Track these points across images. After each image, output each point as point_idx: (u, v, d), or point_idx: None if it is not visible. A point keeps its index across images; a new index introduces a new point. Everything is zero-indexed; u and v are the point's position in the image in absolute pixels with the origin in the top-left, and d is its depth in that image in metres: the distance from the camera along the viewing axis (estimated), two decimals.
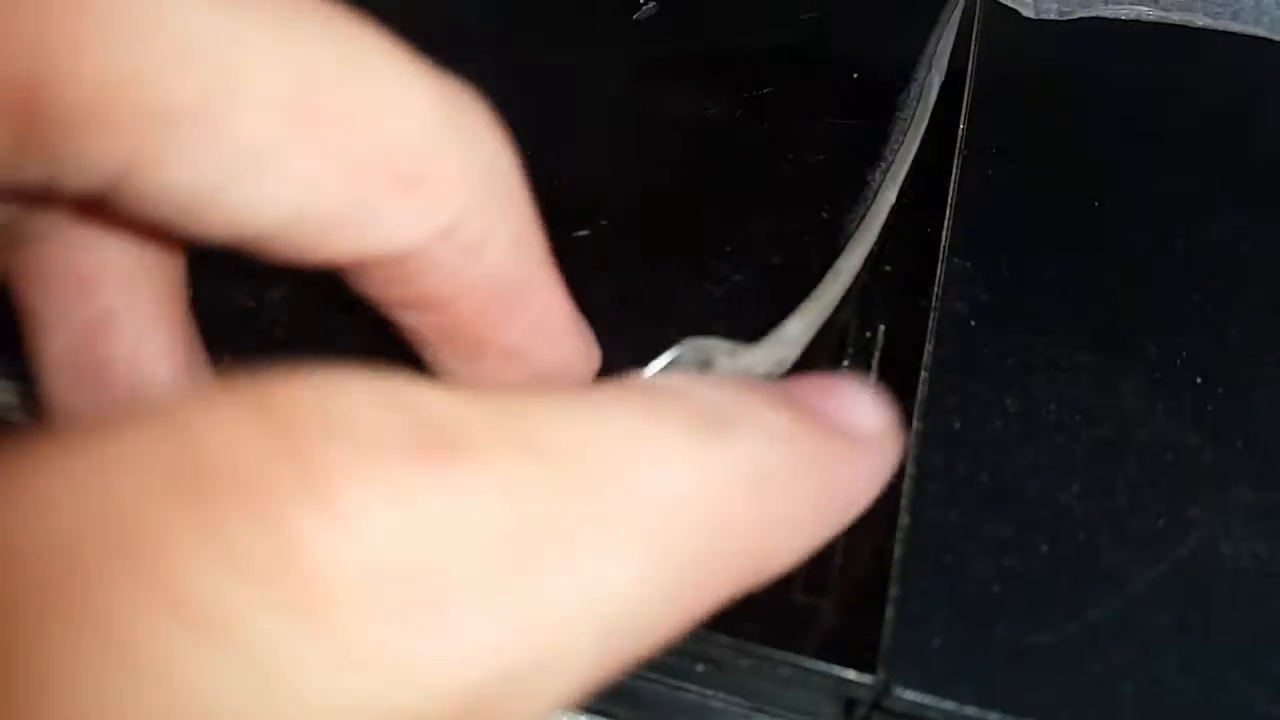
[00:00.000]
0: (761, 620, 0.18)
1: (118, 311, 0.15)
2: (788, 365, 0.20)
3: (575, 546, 0.10)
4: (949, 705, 0.17)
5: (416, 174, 0.12)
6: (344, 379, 0.09)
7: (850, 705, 0.19)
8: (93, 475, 0.08)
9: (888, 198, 0.26)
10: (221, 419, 0.08)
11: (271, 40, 0.11)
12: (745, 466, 0.11)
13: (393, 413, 0.09)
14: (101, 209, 0.11)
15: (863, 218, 0.26)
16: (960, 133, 0.29)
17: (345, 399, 0.09)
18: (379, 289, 0.14)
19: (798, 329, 0.19)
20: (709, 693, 0.19)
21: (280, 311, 0.24)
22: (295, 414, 0.09)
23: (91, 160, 0.10)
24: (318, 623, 0.08)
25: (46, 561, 0.07)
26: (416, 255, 0.12)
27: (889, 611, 0.18)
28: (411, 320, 0.15)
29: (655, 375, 0.14)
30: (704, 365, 0.17)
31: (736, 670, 0.18)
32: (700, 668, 0.18)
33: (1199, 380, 0.22)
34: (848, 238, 0.26)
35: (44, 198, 0.11)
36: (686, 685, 0.19)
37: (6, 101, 0.10)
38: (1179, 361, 0.23)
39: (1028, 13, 0.33)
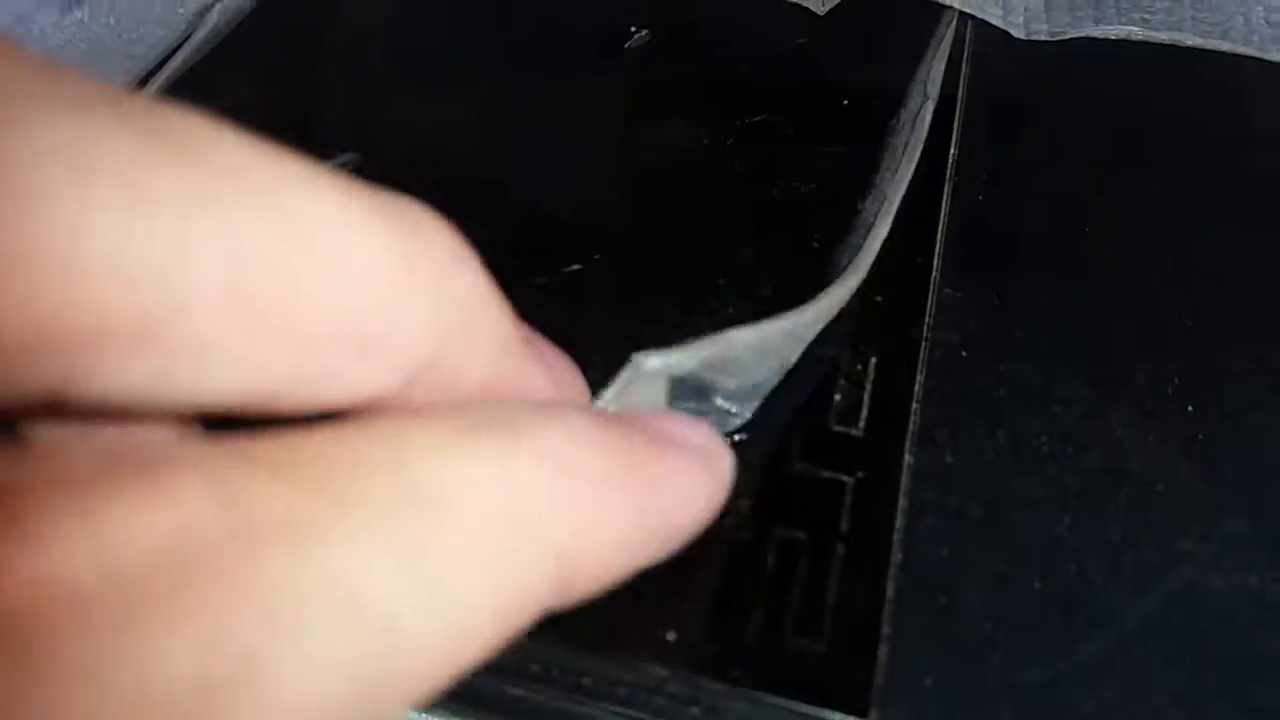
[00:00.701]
0: (753, 664, 0.18)
1: None
2: (743, 379, 0.20)
3: (319, 541, 0.09)
4: None
5: (374, 338, 0.11)
6: None
7: None
8: None
9: (882, 229, 0.26)
10: None
11: (204, 233, 0.10)
12: (552, 456, 0.11)
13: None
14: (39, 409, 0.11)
15: (859, 249, 0.26)
16: (951, 158, 0.29)
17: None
18: None
19: (747, 336, 0.19)
20: None
21: None
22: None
23: (21, 384, 0.10)
24: (18, 646, 0.08)
25: None
26: (388, 399, 0.12)
27: (881, 652, 0.18)
28: None
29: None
30: (651, 377, 0.17)
31: (729, 714, 0.18)
32: (694, 710, 0.18)
33: (1190, 409, 0.22)
34: (842, 269, 0.26)
35: None
36: None
37: None
38: (1170, 390, 0.23)
39: (1019, 34, 0.33)
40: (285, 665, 0.09)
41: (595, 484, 0.12)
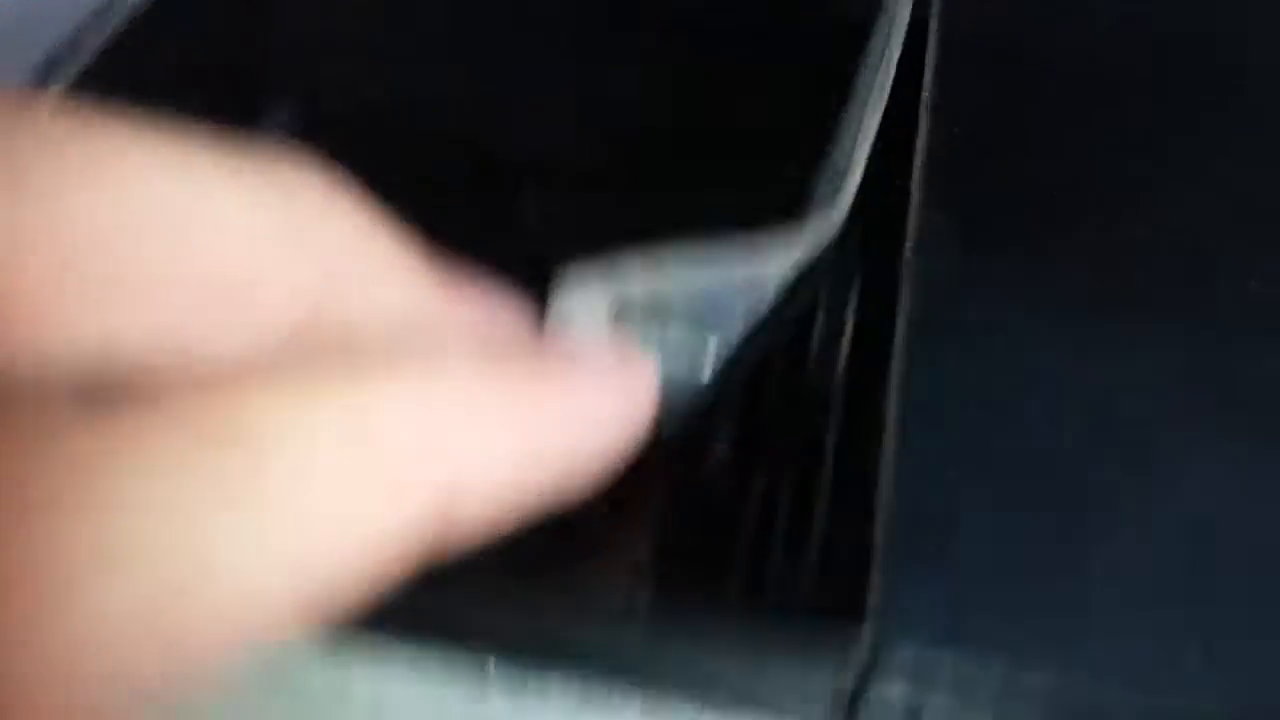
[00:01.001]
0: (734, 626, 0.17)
1: None
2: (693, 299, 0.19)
3: (102, 501, 0.09)
4: (948, 656, 0.16)
5: (239, 292, 0.11)
6: None
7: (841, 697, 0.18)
8: None
9: (858, 164, 0.24)
10: None
11: (39, 199, 0.09)
12: (414, 390, 0.11)
13: None
14: None
15: (836, 188, 0.24)
16: (925, 83, 0.27)
17: None
18: None
19: (683, 259, 0.18)
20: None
21: None
22: None
23: None
24: None
25: None
26: (275, 355, 0.11)
27: (867, 622, 0.17)
28: None
29: None
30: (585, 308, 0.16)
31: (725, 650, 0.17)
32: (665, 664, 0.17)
33: (1185, 331, 0.21)
34: (816, 208, 0.25)
35: None
36: None
37: None
38: (1164, 315, 0.22)
39: None
40: (62, 625, 0.09)
41: (468, 412, 0.11)
